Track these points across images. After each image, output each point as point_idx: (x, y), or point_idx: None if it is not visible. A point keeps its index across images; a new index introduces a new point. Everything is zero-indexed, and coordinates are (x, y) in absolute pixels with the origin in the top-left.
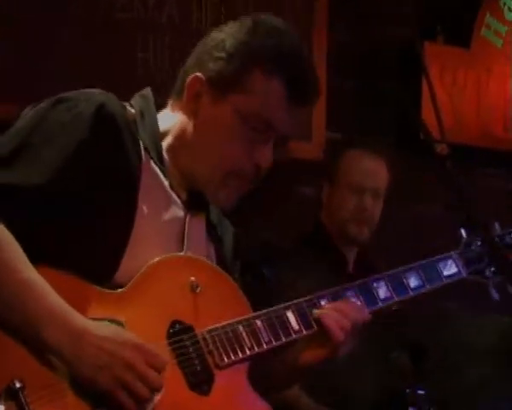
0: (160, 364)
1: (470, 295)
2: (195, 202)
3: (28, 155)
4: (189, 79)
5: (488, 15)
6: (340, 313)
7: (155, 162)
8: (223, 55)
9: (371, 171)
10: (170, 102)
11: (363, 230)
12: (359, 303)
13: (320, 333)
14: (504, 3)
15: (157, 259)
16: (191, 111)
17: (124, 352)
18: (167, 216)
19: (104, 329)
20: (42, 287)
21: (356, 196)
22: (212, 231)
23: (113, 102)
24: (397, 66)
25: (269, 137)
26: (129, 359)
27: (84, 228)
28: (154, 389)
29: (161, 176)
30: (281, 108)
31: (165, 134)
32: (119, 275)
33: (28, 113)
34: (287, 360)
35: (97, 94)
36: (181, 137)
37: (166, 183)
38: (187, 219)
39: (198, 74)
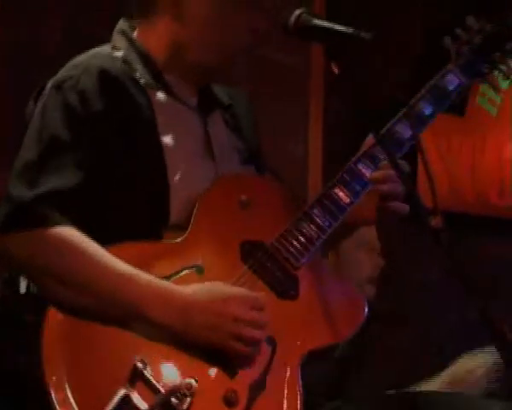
0: (261, 303)
1: None
2: (208, 101)
3: (57, 152)
4: None
5: (483, 84)
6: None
7: (158, 89)
8: None
9: None
10: (139, 24)
11: None
12: None
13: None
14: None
15: (204, 191)
16: (175, 16)
17: (228, 308)
18: (190, 134)
19: (203, 292)
20: (135, 274)
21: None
22: (230, 120)
23: (107, 61)
24: None
25: (255, 3)
26: (234, 312)
27: (125, 192)
28: (263, 327)
29: (169, 98)
30: None
31: (156, 53)
32: (174, 215)
33: (34, 108)
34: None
35: (90, 59)
36: (176, 44)
37: (175, 101)
38: (207, 125)
39: None
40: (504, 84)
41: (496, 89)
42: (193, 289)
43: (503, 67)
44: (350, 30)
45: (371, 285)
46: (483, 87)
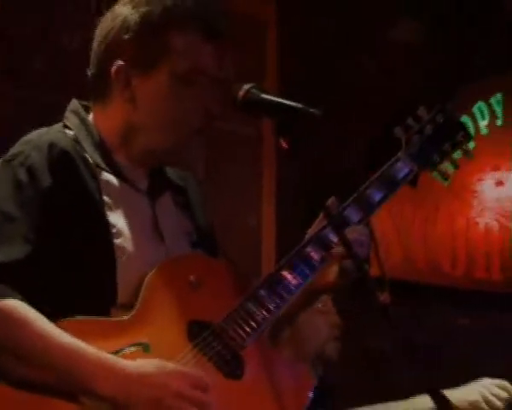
0: (205, 383)
1: None
2: (159, 183)
3: (5, 226)
4: (112, 71)
5: (433, 172)
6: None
7: (107, 171)
8: (131, 34)
9: None
10: (94, 106)
11: None
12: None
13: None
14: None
15: (153, 270)
16: (127, 99)
17: (171, 382)
18: (138, 216)
19: (147, 367)
20: (78, 345)
21: None
22: (181, 202)
23: (57, 137)
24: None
25: (207, 82)
26: (177, 388)
27: (73, 269)
28: (204, 407)
29: (117, 180)
30: (204, 51)
31: (108, 136)
32: (121, 296)
33: None
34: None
35: (40, 136)
36: (128, 127)
37: (124, 183)
38: (156, 208)
39: (119, 63)
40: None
41: (446, 177)
42: (138, 364)
43: (454, 158)
44: (299, 105)
45: (332, 344)
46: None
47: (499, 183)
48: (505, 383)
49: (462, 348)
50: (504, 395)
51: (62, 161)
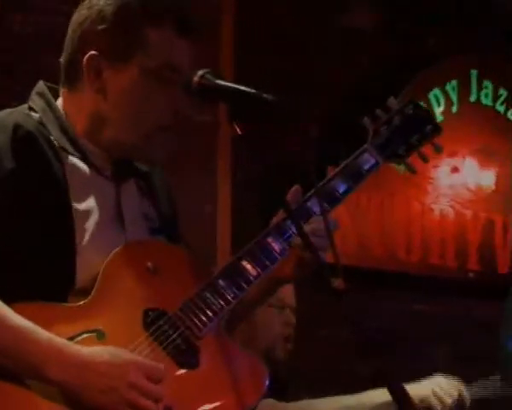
0: (159, 374)
1: None
2: (122, 170)
3: None
4: (84, 60)
5: (399, 165)
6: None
7: (72, 154)
8: (106, 25)
9: None
10: (63, 91)
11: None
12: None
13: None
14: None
15: (109, 256)
16: (98, 89)
17: (124, 373)
18: (101, 201)
19: (102, 354)
20: (32, 329)
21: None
22: (145, 188)
23: (22, 118)
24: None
25: (176, 79)
26: (131, 378)
27: (31, 252)
28: (158, 399)
29: (82, 164)
30: (177, 47)
31: (75, 121)
32: (79, 281)
33: None
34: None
35: (5, 117)
36: (96, 116)
37: (88, 168)
38: (121, 194)
39: (92, 53)
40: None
41: (412, 171)
42: (92, 351)
43: (423, 151)
44: (253, 91)
45: (283, 342)
46: None
47: (454, 169)
48: (457, 383)
49: (418, 333)
50: (455, 393)
51: (27, 142)
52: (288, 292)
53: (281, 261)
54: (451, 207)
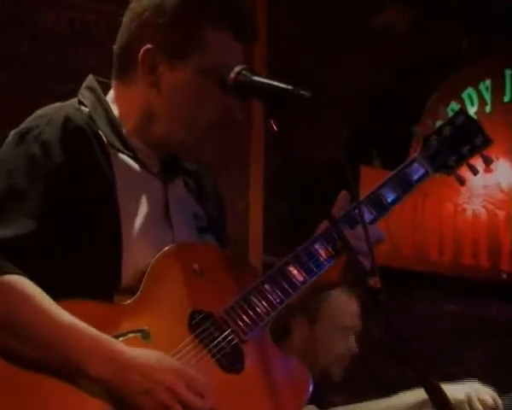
0: (201, 386)
1: None
2: (170, 168)
3: (12, 201)
4: (140, 53)
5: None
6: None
7: (121, 151)
8: (166, 19)
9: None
10: (115, 84)
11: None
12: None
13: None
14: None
15: (156, 257)
16: (151, 84)
17: (166, 378)
18: (149, 199)
19: (146, 356)
20: (78, 326)
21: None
22: (193, 188)
23: (72, 112)
24: (331, 189)
25: None
26: (171, 384)
27: (78, 249)
28: None
29: (131, 161)
30: (232, 50)
31: (125, 116)
32: (125, 279)
33: None
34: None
35: (56, 111)
36: (147, 111)
37: (137, 165)
38: (168, 191)
39: (148, 46)
40: None
41: (461, 182)
42: (136, 352)
43: (472, 163)
44: (290, 88)
45: (339, 365)
46: None
47: (487, 170)
48: (494, 393)
49: (449, 334)
50: (491, 402)
51: (76, 137)
52: (353, 313)
53: (327, 268)
54: (484, 207)
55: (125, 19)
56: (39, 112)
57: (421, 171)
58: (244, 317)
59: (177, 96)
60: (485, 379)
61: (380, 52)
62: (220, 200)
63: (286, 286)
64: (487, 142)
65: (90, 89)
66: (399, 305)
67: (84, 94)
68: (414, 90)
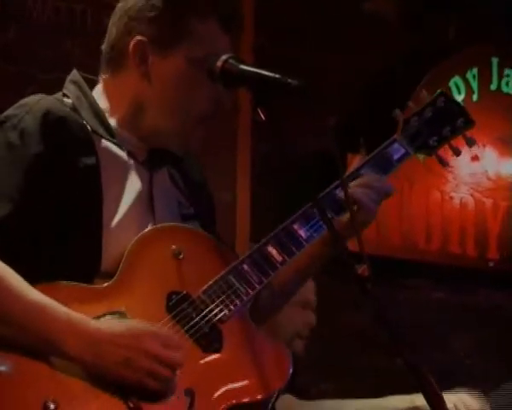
0: (176, 343)
1: None
2: (156, 158)
3: None
4: (131, 45)
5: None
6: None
7: (106, 138)
8: (155, 13)
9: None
10: (104, 77)
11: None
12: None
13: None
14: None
15: (135, 239)
16: (142, 74)
17: (141, 343)
18: (133, 187)
19: (118, 326)
20: (50, 304)
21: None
22: (179, 176)
23: (54, 104)
24: (318, 178)
25: None
26: (147, 348)
27: (59, 233)
28: (176, 367)
29: (116, 149)
30: (221, 39)
31: (115, 109)
32: (105, 264)
33: None
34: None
35: (37, 102)
36: (138, 102)
37: (123, 153)
38: (152, 179)
39: (139, 38)
40: None
41: (444, 164)
42: (108, 324)
43: (454, 144)
44: (278, 76)
45: (300, 340)
46: None
47: (475, 158)
48: (481, 400)
49: (436, 322)
50: (476, 407)
51: (57, 127)
52: (309, 289)
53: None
54: (471, 195)
55: (113, 19)
56: (21, 102)
57: (402, 151)
58: (222, 297)
59: (169, 86)
60: (472, 367)
61: (366, 41)
62: (207, 188)
63: (265, 266)
64: (469, 123)
65: (74, 82)
66: (386, 293)
67: (68, 87)
68: (401, 78)
